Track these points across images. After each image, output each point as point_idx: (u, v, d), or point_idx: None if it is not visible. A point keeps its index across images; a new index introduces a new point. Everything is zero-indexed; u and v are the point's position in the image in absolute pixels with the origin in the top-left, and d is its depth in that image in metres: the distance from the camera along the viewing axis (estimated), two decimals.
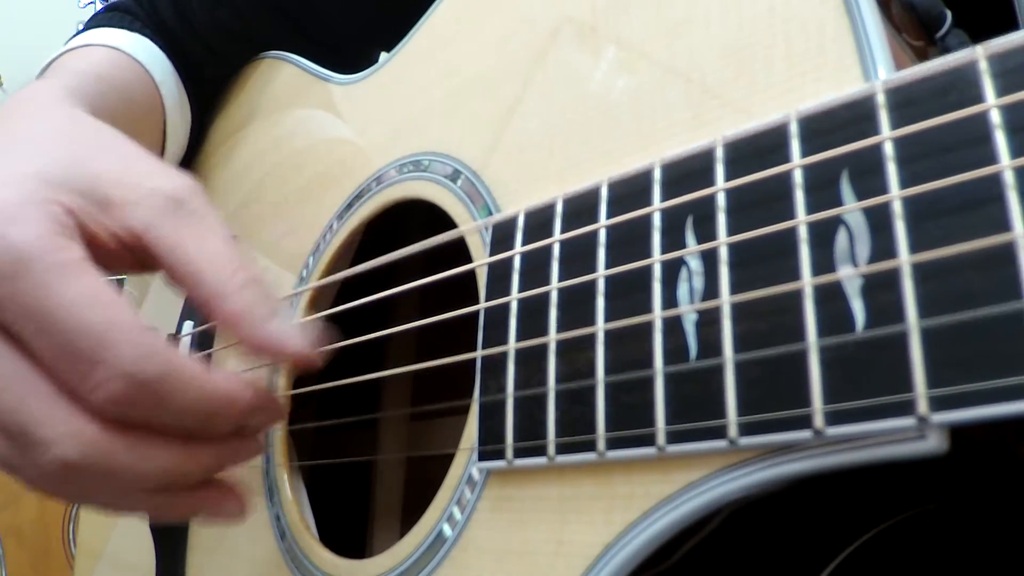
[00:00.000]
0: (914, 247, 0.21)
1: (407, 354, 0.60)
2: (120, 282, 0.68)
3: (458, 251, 0.37)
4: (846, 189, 0.23)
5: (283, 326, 0.31)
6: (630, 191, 0.29)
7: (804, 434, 0.22)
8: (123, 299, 0.29)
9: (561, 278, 0.30)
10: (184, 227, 0.31)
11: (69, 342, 0.27)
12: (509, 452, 0.31)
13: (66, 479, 0.29)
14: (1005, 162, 0.20)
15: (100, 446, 0.28)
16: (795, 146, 0.24)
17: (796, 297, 0.23)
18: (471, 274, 0.35)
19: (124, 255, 0.32)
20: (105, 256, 0.31)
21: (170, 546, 0.54)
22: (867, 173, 0.22)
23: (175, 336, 0.56)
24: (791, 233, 0.24)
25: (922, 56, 0.29)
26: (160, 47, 0.59)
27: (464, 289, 0.36)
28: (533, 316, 0.31)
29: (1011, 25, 0.34)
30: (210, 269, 0.31)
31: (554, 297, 0.30)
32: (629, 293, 0.27)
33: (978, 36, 0.23)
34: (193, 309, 0.57)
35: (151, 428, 0.30)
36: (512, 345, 0.31)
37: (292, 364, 0.32)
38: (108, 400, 0.28)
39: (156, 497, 0.32)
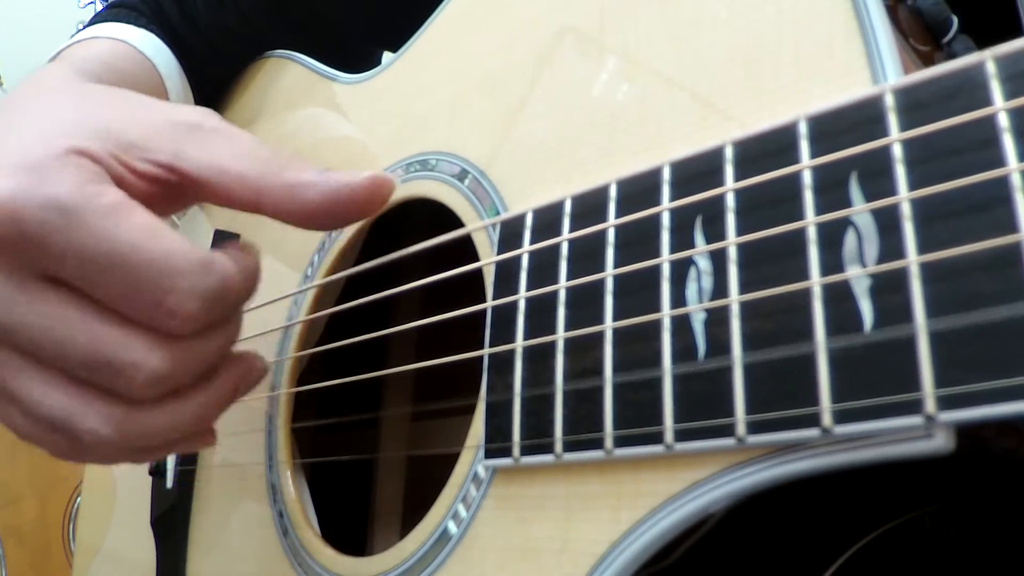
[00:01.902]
0: (922, 248, 0.21)
1: (408, 354, 0.60)
2: None
3: (461, 251, 0.37)
4: (855, 190, 0.23)
5: (340, 173, 0.32)
6: (639, 190, 0.29)
7: (812, 432, 0.23)
8: (168, 226, 0.30)
9: (569, 277, 0.30)
10: (209, 143, 0.32)
11: (138, 277, 0.28)
12: (516, 450, 0.31)
13: (151, 401, 0.30)
14: (1013, 165, 0.20)
15: (181, 351, 0.30)
16: (804, 147, 0.25)
17: (805, 297, 0.23)
18: (473, 274, 0.35)
19: (154, 194, 0.32)
20: (135, 198, 0.31)
21: (171, 543, 0.54)
22: (876, 175, 0.23)
23: None
24: (800, 234, 0.24)
25: (928, 62, 0.29)
26: (165, 44, 0.59)
27: (465, 289, 0.37)
28: (541, 314, 0.31)
29: (1016, 31, 0.35)
30: (249, 164, 0.31)
31: (562, 296, 0.30)
32: (638, 292, 0.28)
33: (984, 42, 0.23)
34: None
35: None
36: (520, 343, 0.31)
37: (369, 203, 0.33)
38: (187, 321, 0.29)
39: (205, 390, 0.32)
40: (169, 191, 0.32)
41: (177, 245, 0.29)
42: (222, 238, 0.57)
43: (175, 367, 0.30)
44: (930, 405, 0.20)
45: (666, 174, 0.28)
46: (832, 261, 0.23)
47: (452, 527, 0.34)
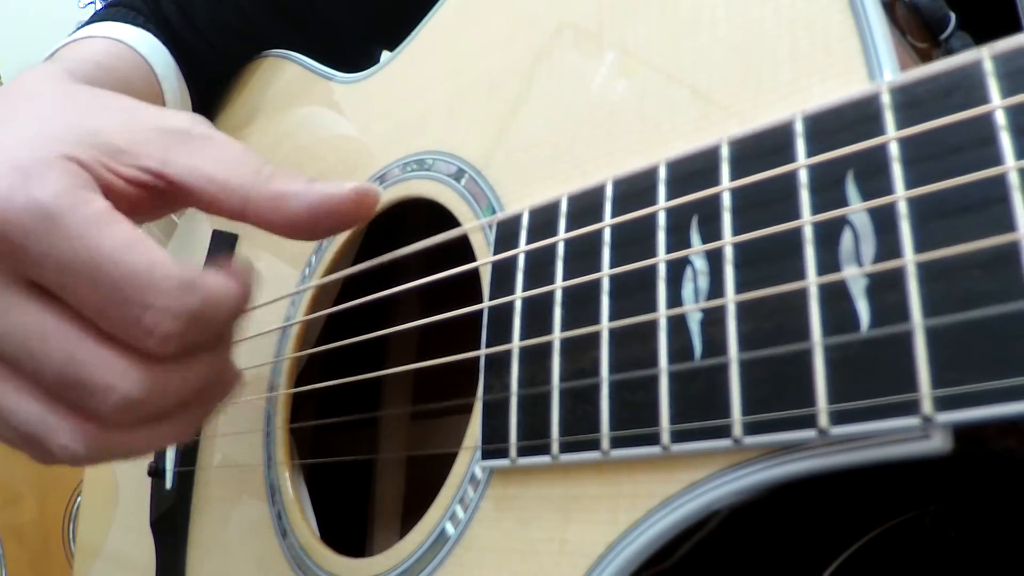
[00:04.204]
0: (919, 247, 0.21)
1: (407, 354, 0.60)
2: None
3: (459, 251, 0.37)
4: (851, 189, 0.23)
5: (324, 184, 0.31)
6: (635, 190, 0.29)
7: (809, 433, 0.22)
8: (153, 240, 0.29)
9: (566, 277, 0.30)
10: (197, 150, 0.32)
11: (115, 290, 0.27)
12: (513, 451, 0.31)
13: (120, 423, 0.29)
14: (1010, 163, 0.20)
15: (156, 376, 0.29)
16: (800, 146, 0.24)
17: (801, 296, 0.23)
18: (472, 274, 0.35)
19: (143, 200, 0.32)
20: (123, 205, 0.31)
21: (170, 544, 0.54)
22: (872, 173, 0.23)
23: None
24: (796, 233, 0.24)
25: (926, 58, 0.29)
26: (163, 43, 0.59)
27: (464, 289, 0.37)
28: (537, 315, 0.31)
29: (1015, 27, 0.35)
30: (235, 172, 0.31)
31: (558, 296, 0.30)
32: (634, 292, 0.28)
33: (982, 38, 0.23)
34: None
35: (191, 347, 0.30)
36: (516, 343, 0.31)
37: (353, 214, 0.32)
38: (164, 339, 0.28)
39: (185, 414, 0.32)
40: (157, 197, 0.32)
41: (159, 260, 0.28)
42: (220, 238, 0.57)
43: (150, 394, 0.29)
44: (927, 406, 0.20)
45: (662, 173, 0.28)
46: (829, 260, 0.23)
47: (450, 528, 0.34)
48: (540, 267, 0.31)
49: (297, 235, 0.32)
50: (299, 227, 0.32)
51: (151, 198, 0.32)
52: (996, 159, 0.20)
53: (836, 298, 0.22)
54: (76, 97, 0.35)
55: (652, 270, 0.27)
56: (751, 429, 0.24)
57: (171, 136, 0.32)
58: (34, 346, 0.28)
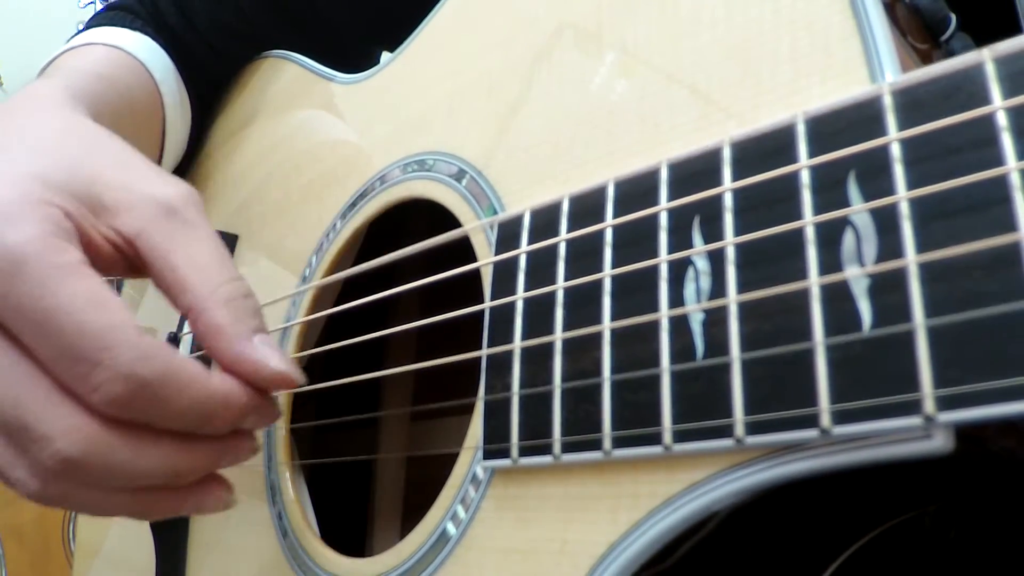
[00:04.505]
0: (921, 248, 0.21)
1: (407, 355, 0.60)
2: (119, 283, 0.68)
3: (459, 251, 0.37)
4: (853, 190, 0.23)
5: (261, 347, 0.31)
6: (637, 191, 0.29)
7: (811, 433, 0.23)
8: (121, 301, 0.29)
9: (567, 277, 0.30)
10: (175, 235, 0.31)
11: (68, 344, 0.27)
12: (514, 451, 0.31)
13: (63, 477, 0.29)
14: (1011, 164, 0.20)
15: (101, 442, 0.28)
16: (802, 147, 0.24)
17: (803, 297, 0.23)
18: (472, 274, 0.35)
19: (118, 259, 0.32)
20: (100, 259, 0.31)
21: (170, 544, 0.54)
22: (874, 174, 0.23)
23: (176, 335, 0.56)
24: (798, 234, 0.24)
25: (926, 59, 0.29)
26: (161, 46, 0.59)
27: (464, 289, 0.37)
28: (539, 315, 0.31)
29: (1015, 29, 0.35)
30: (194, 279, 0.31)
31: (560, 296, 0.30)
32: (636, 293, 0.28)
33: (982, 40, 0.23)
34: None
35: (150, 427, 0.30)
36: (518, 343, 0.31)
37: (268, 387, 0.32)
38: (108, 401, 0.28)
39: (143, 497, 0.31)
40: (128, 261, 0.32)
41: (118, 322, 0.28)
42: (220, 238, 0.57)
43: (88, 457, 0.28)
44: (929, 405, 0.20)
45: (664, 174, 0.28)
46: (830, 261, 0.23)
47: (451, 528, 0.34)
48: (542, 267, 0.31)
49: (218, 365, 0.31)
50: (220, 362, 0.31)
51: (124, 260, 0.32)
52: (997, 160, 0.20)
53: (838, 298, 0.22)
54: (77, 134, 0.35)
55: (654, 270, 0.27)
56: (753, 429, 0.24)
57: (158, 211, 0.31)
58: None
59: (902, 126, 0.22)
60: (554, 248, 0.31)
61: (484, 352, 0.33)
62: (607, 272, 0.29)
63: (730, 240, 0.25)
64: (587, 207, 0.30)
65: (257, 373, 0.31)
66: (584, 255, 0.30)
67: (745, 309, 0.24)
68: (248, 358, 0.30)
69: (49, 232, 0.28)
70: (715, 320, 0.25)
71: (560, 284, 0.30)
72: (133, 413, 0.28)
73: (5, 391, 0.28)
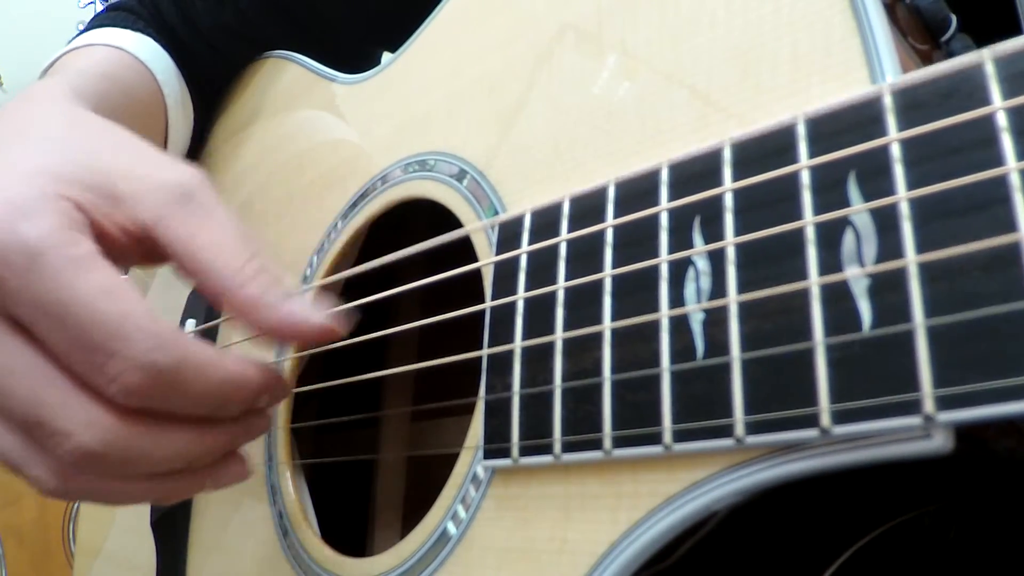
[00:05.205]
0: (921, 248, 0.21)
1: (409, 355, 0.60)
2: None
3: (459, 251, 0.37)
4: (853, 190, 0.23)
5: (298, 305, 0.31)
6: (637, 191, 0.29)
7: (810, 433, 0.23)
8: (136, 291, 0.29)
9: (568, 278, 0.30)
10: (193, 219, 0.31)
11: (84, 335, 0.27)
12: (515, 450, 0.31)
13: (84, 470, 0.29)
14: (1011, 164, 0.20)
15: (119, 433, 0.29)
16: (802, 147, 0.24)
17: (803, 297, 0.23)
18: (472, 275, 0.35)
19: (133, 248, 0.32)
20: (115, 250, 0.31)
21: (171, 544, 0.54)
22: (874, 174, 0.23)
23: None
24: (798, 234, 0.24)
25: (927, 60, 0.29)
26: (163, 47, 0.59)
27: (465, 289, 0.37)
28: (539, 315, 0.31)
29: (1015, 29, 0.35)
30: (220, 260, 0.31)
31: (561, 296, 0.30)
32: (636, 293, 0.28)
33: (983, 40, 0.23)
34: (195, 307, 0.57)
35: (165, 414, 0.30)
36: (518, 343, 0.31)
37: (314, 341, 0.33)
38: (125, 391, 0.28)
39: (163, 482, 0.32)
40: (145, 249, 0.32)
41: (134, 311, 0.28)
42: None
43: (108, 449, 0.28)
44: (929, 405, 0.20)
45: (664, 175, 0.28)
46: (831, 261, 0.23)
47: (451, 528, 0.34)
48: (542, 268, 0.31)
49: (263, 336, 0.32)
50: (265, 332, 0.32)
51: (140, 249, 0.32)
52: (997, 160, 0.20)
53: (838, 298, 0.23)
54: (86, 127, 0.35)
55: (654, 271, 0.27)
56: (753, 429, 0.24)
57: (171, 195, 0.32)
58: (3, 381, 0.28)
59: (902, 126, 0.22)
60: (555, 248, 0.31)
61: (484, 352, 0.33)
62: (607, 272, 0.29)
63: (730, 240, 0.25)
64: (588, 207, 0.30)
65: (302, 333, 0.31)
66: (584, 255, 0.30)
67: (745, 309, 0.24)
68: (289, 321, 0.31)
69: (63, 225, 0.28)
70: (715, 320, 0.25)
71: (561, 284, 0.30)
72: (151, 401, 0.29)
73: (22, 388, 0.28)
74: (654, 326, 0.27)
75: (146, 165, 0.33)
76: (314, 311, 0.32)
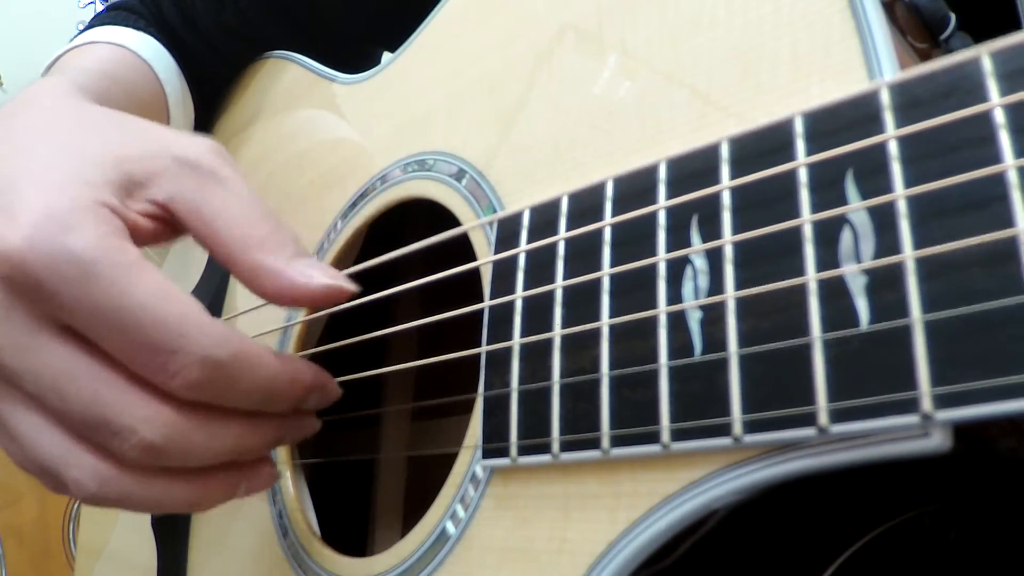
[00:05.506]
0: (918, 245, 0.21)
1: (408, 355, 0.60)
2: None
3: (458, 251, 0.37)
4: (851, 188, 0.23)
5: (303, 270, 0.32)
6: (635, 189, 0.29)
7: (808, 432, 0.23)
8: (184, 292, 0.30)
9: (566, 276, 0.30)
10: (204, 189, 0.32)
11: (145, 337, 0.28)
12: (513, 450, 0.31)
13: (143, 464, 0.30)
14: (1009, 161, 0.20)
15: (178, 426, 0.30)
16: (800, 145, 0.24)
17: (800, 294, 0.23)
18: (471, 274, 0.35)
19: (160, 229, 0.33)
20: (142, 238, 0.32)
21: (171, 544, 0.54)
22: (872, 172, 0.23)
23: None
24: (796, 232, 0.24)
25: (926, 58, 0.29)
26: (164, 46, 0.59)
27: (464, 288, 0.37)
28: (538, 313, 0.31)
29: (1014, 27, 0.35)
30: (227, 232, 0.32)
31: (559, 294, 0.30)
32: (634, 291, 0.28)
33: (982, 39, 0.23)
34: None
35: (221, 408, 0.31)
36: (517, 341, 0.31)
37: (323, 305, 0.33)
38: (187, 384, 0.29)
39: (201, 484, 0.33)
40: (168, 225, 0.33)
41: (190, 311, 0.29)
42: None
43: (170, 442, 0.30)
44: (927, 403, 0.20)
45: (662, 172, 0.28)
46: (828, 259, 0.23)
47: (450, 527, 0.34)
48: (541, 266, 0.31)
49: (268, 301, 0.33)
50: (269, 299, 0.32)
51: (165, 228, 0.33)
52: (995, 157, 0.20)
53: (835, 296, 0.22)
54: (93, 121, 0.35)
55: (652, 269, 0.27)
56: (751, 427, 0.24)
57: (184, 167, 0.32)
58: (63, 386, 0.29)
59: (900, 124, 0.22)
60: (553, 247, 0.31)
61: (483, 350, 0.33)
62: (606, 270, 0.29)
63: (728, 238, 0.25)
64: (586, 205, 0.30)
65: (303, 296, 0.32)
66: (583, 253, 0.30)
67: (743, 307, 0.24)
68: (288, 284, 0.32)
69: (108, 233, 0.29)
70: (713, 318, 0.25)
71: (559, 283, 0.30)
72: (207, 395, 0.30)
73: (83, 392, 0.29)
74: (652, 323, 0.27)
75: (156, 142, 0.33)
76: (319, 271, 0.32)
